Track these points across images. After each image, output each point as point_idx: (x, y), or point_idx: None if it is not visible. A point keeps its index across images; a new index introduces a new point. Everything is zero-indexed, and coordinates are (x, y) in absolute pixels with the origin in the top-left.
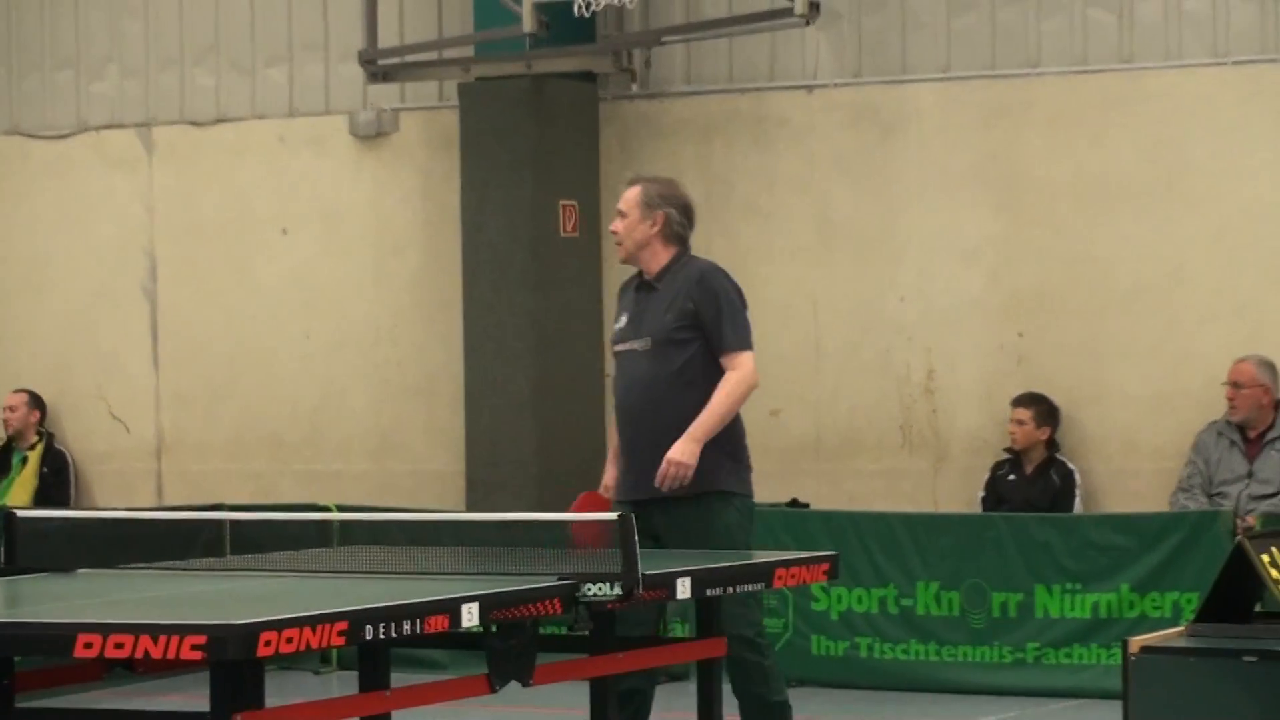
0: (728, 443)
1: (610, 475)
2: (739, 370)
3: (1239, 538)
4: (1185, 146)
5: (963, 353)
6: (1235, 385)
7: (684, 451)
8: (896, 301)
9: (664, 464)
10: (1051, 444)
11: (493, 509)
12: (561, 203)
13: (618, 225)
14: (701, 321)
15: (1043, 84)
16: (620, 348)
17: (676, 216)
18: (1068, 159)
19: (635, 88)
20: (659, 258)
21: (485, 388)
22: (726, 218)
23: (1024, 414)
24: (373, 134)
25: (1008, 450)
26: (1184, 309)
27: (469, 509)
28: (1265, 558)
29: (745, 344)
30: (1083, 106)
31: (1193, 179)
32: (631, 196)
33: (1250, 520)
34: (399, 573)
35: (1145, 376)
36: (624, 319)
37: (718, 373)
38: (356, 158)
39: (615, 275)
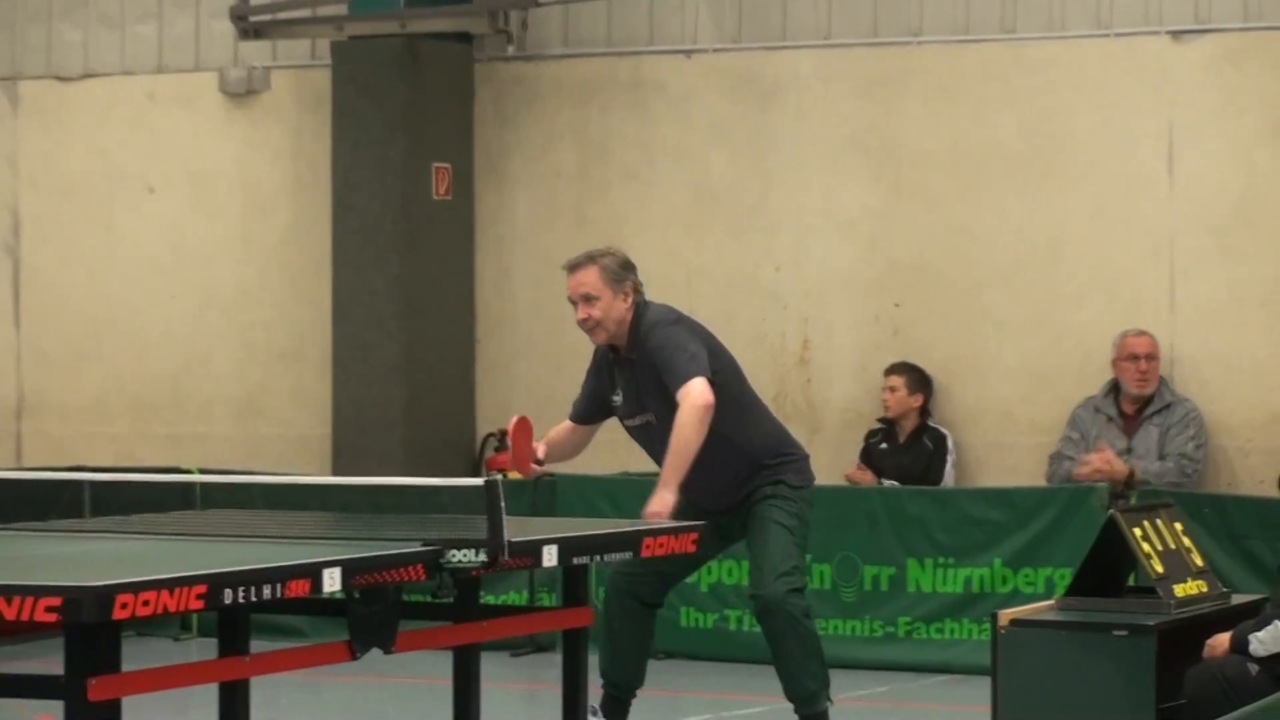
0: (763, 454)
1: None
2: (684, 403)
3: (1112, 511)
4: (1066, 118)
5: (839, 323)
6: (1148, 358)
7: (657, 501)
8: (772, 271)
9: (646, 516)
10: (924, 412)
11: (359, 475)
12: (434, 165)
13: (590, 311)
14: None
15: (923, 53)
16: (631, 423)
17: (639, 281)
18: (948, 130)
19: (511, 49)
20: (627, 328)
21: (353, 352)
22: (602, 184)
23: (896, 381)
24: (243, 92)
25: (880, 419)
26: (1063, 283)
27: (335, 475)
28: (1138, 531)
29: (685, 375)
30: (963, 77)
31: (1073, 152)
32: (593, 279)
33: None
34: (261, 537)
35: (1023, 350)
36: (620, 396)
37: (722, 406)
38: (226, 116)
39: (488, 240)
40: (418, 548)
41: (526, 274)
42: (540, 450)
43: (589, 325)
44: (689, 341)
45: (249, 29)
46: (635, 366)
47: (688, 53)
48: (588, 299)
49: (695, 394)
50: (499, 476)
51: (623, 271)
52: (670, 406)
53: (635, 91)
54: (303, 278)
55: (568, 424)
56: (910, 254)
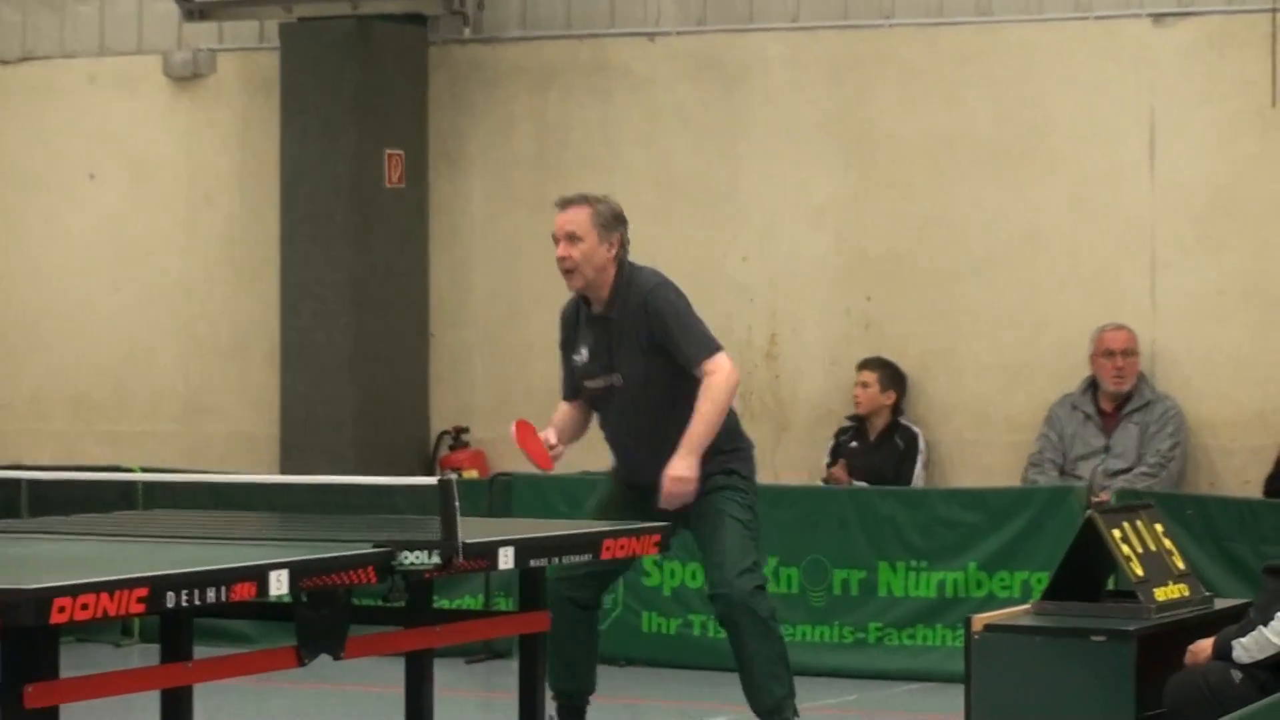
0: (719, 437)
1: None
2: (717, 373)
3: (1090, 512)
4: (1044, 105)
5: (808, 317)
6: (1126, 354)
7: (685, 466)
8: (739, 262)
9: (666, 482)
10: (896, 410)
11: (308, 474)
12: (387, 152)
13: (571, 251)
14: (663, 346)
15: (896, 36)
16: (593, 384)
17: (628, 236)
18: (921, 116)
19: (467, 31)
20: (607, 284)
21: (302, 347)
22: (561, 171)
23: (869, 376)
24: (188, 75)
25: (851, 417)
26: (1040, 275)
27: (282, 473)
28: (1116, 533)
29: (711, 348)
30: (938, 61)
31: (1051, 139)
32: (582, 219)
33: (1105, 497)
34: (205, 537)
35: (998, 345)
36: (585, 353)
37: (690, 383)
38: (170, 100)
39: (443, 229)
40: (369, 549)
41: (483, 265)
42: (552, 436)
43: (567, 266)
44: (692, 311)
45: (194, 10)
46: (612, 325)
47: (651, 35)
48: (572, 238)
49: (729, 368)
50: (453, 476)
51: (614, 221)
52: (646, 378)
53: (596, 76)
54: (250, 269)
55: (564, 405)
56: (882, 245)
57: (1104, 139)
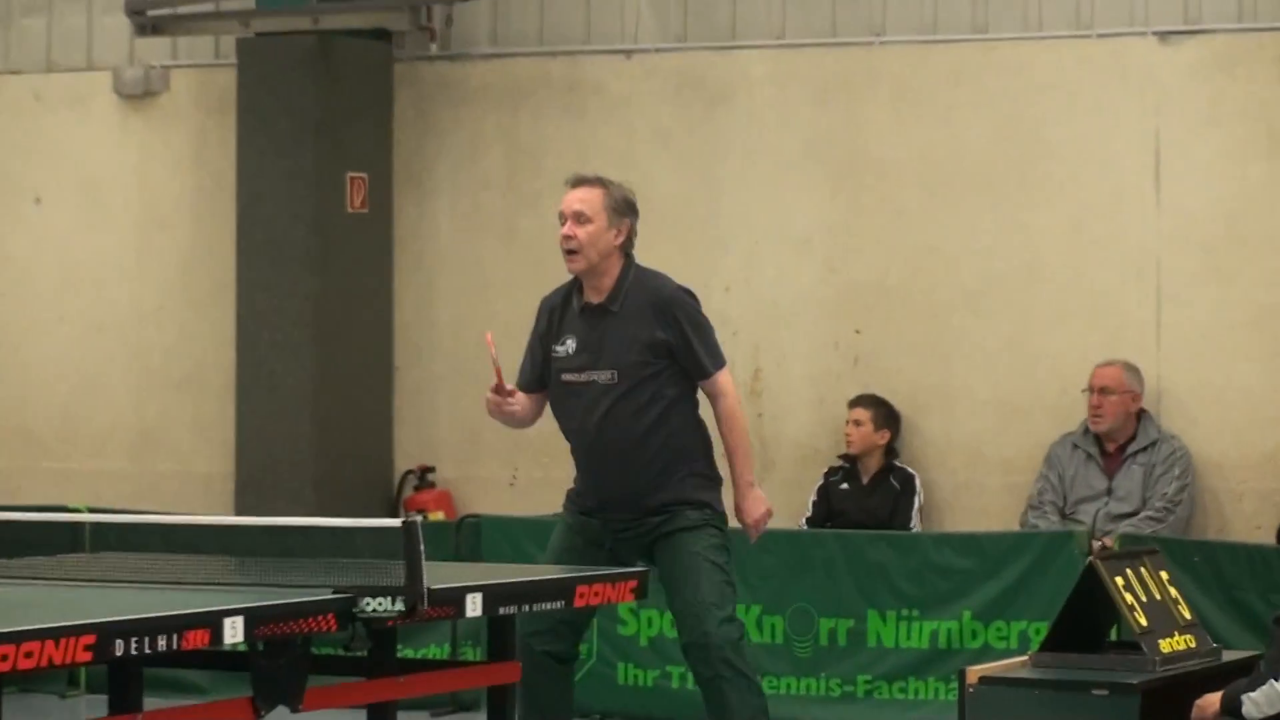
0: (698, 460)
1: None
2: (727, 396)
3: (1091, 559)
4: (1043, 127)
5: (793, 351)
6: (1102, 391)
7: (758, 501)
8: (721, 292)
9: (754, 523)
10: (890, 450)
11: (265, 515)
12: (349, 175)
13: (577, 231)
14: (672, 350)
15: (886, 54)
16: (573, 378)
17: (636, 228)
18: (913, 138)
19: (434, 48)
20: (610, 274)
21: (259, 380)
22: (533, 196)
23: (862, 414)
24: (140, 93)
25: (842, 456)
26: (1038, 307)
27: (238, 514)
28: (1119, 581)
29: (721, 361)
30: (930, 80)
31: (1050, 163)
32: (595, 199)
33: (1107, 542)
34: (156, 582)
35: (994, 381)
36: (571, 344)
37: (683, 398)
38: (121, 120)
39: (408, 257)
40: (329, 595)
41: (450, 294)
42: (511, 386)
43: (570, 246)
44: (708, 322)
45: (146, 24)
46: (611, 317)
47: (628, 53)
48: (580, 218)
49: (734, 389)
50: (418, 518)
51: (626, 207)
52: (640, 378)
53: (570, 95)
54: (204, 297)
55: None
56: (872, 275)
57: (1106, 163)
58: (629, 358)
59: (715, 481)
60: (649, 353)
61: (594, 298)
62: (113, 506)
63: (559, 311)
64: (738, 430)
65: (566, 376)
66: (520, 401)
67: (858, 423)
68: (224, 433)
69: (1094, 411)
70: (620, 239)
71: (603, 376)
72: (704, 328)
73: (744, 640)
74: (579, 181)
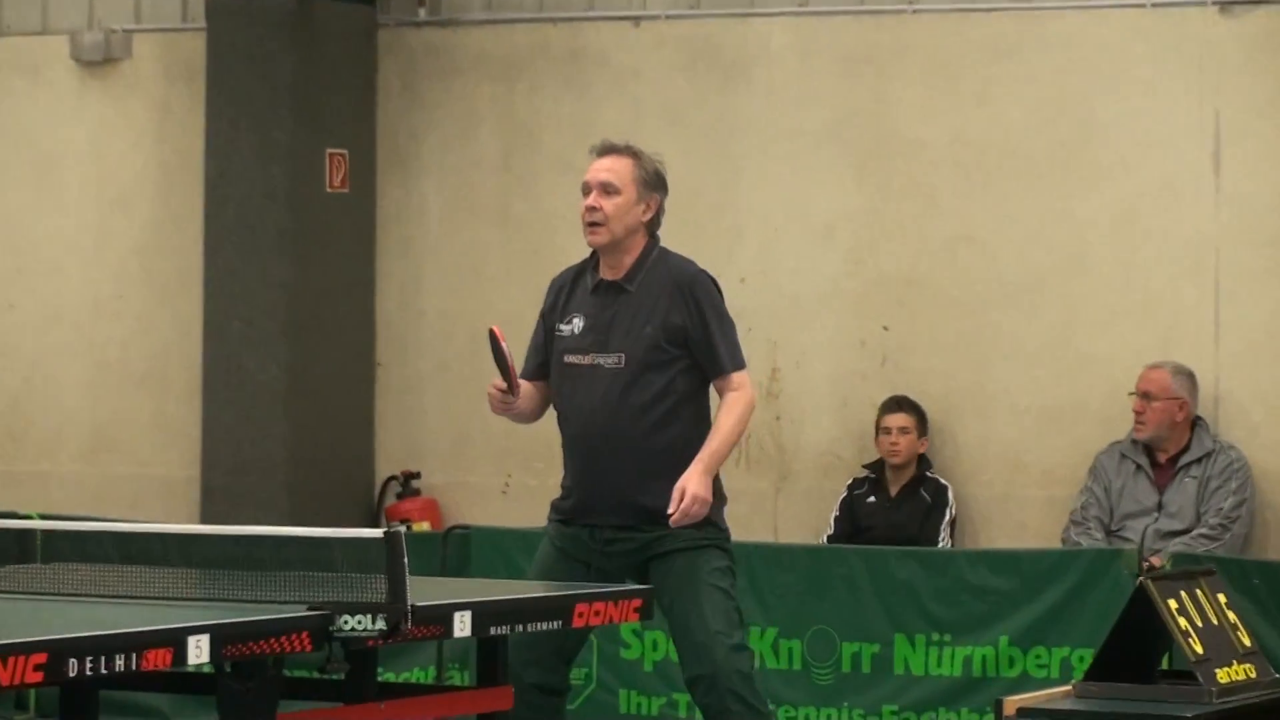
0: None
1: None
2: (741, 391)
3: (1141, 579)
4: (1091, 106)
5: (815, 349)
6: (1145, 396)
7: (701, 484)
8: (735, 284)
9: (683, 498)
10: (923, 460)
11: (233, 523)
12: (329, 151)
13: (603, 202)
14: (689, 339)
15: (920, 24)
16: (577, 360)
17: (665, 205)
18: (948, 117)
19: (423, 13)
20: (633, 251)
21: (228, 376)
22: (530, 176)
23: (906, 420)
24: (99, 60)
25: (867, 466)
26: (1084, 304)
27: (204, 522)
28: (1172, 604)
29: (742, 362)
30: (968, 53)
31: (1099, 147)
32: (625, 170)
33: (1158, 561)
34: (114, 596)
35: (1035, 384)
36: (579, 323)
37: (695, 396)
38: (78, 89)
39: (392, 242)
40: (303, 612)
41: (439, 284)
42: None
43: (594, 218)
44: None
45: None
46: (626, 297)
47: (636, 20)
48: (607, 189)
49: (751, 393)
50: (401, 528)
51: (657, 181)
52: (650, 365)
53: (572, 65)
54: (168, 285)
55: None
56: (901, 266)
57: (1161, 146)
58: (639, 339)
59: (720, 497)
60: (662, 338)
61: (611, 275)
62: (66, 513)
63: (569, 288)
64: (734, 417)
65: (570, 358)
66: (527, 394)
67: (903, 429)
68: (188, 433)
69: (1136, 418)
70: (648, 215)
71: (609, 360)
72: (725, 319)
73: (755, 670)
74: (608, 149)
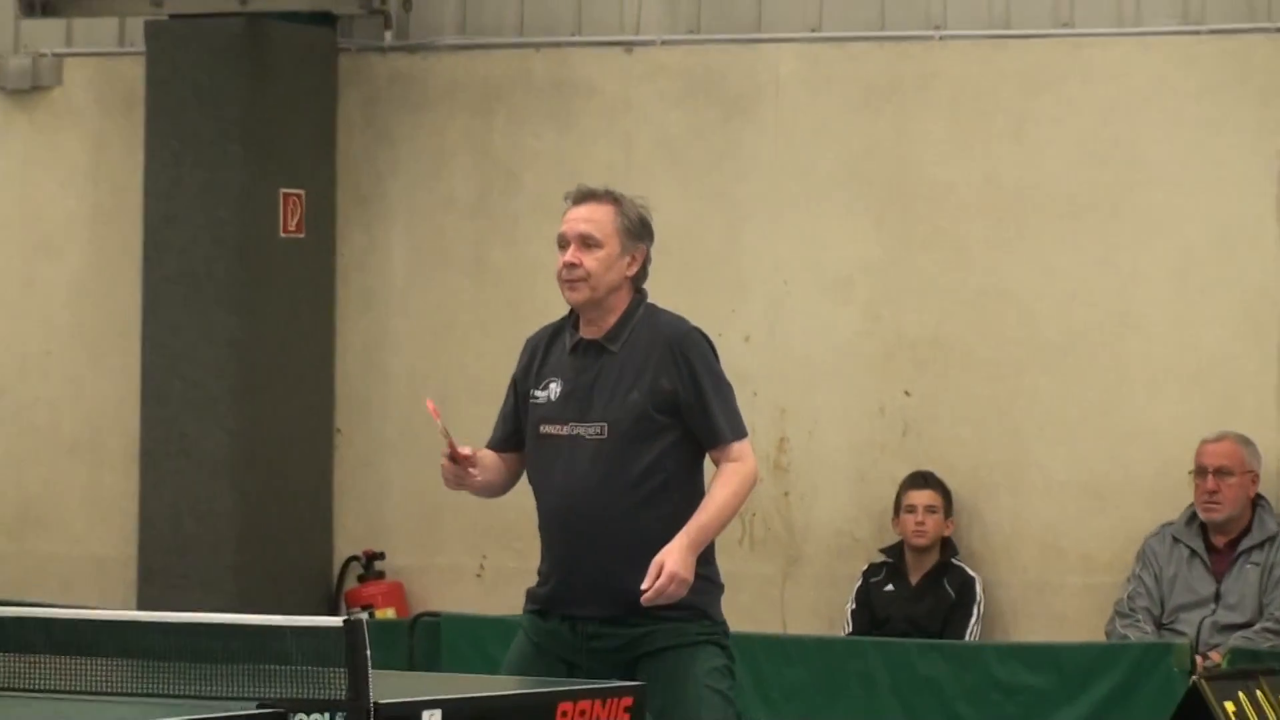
0: (706, 553)
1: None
2: (743, 462)
3: (1195, 678)
4: (1140, 145)
5: (828, 416)
6: (1219, 473)
7: (682, 562)
8: (740, 343)
9: (660, 576)
10: (947, 545)
11: (175, 609)
12: (283, 191)
13: (582, 257)
14: (680, 405)
15: (947, 52)
16: (554, 430)
17: (651, 254)
18: (978, 157)
19: (389, 36)
20: (616, 309)
21: (169, 443)
22: (509, 221)
23: (933, 499)
24: (26, 88)
25: (884, 550)
26: (1131, 368)
27: (142, 608)
28: (1230, 705)
29: (743, 431)
30: (1001, 85)
31: (1148, 190)
32: (606, 219)
33: (1215, 657)
34: (40, 691)
35: (1075, 458)
36: (556, 388)
37: (689, 470)
38: (2, 120)
39: (353, 294)
40: (253, 710)
41: (405, 341)
42: (468, 450)
43: (573, 276)
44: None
45: (35, 4)
46: (609, 359)
47: (628, 45)
48: (587, 242)
49: (754, 465)
50: (363, 615)
51: (642, 229)
52: (637, 436)
53: (556, 96)
54: (103, 341)
55: (489, 452)
56: (926, 325)
57: (1219, 190)
58: (625, 409)
59: (716, 586)
60: (650, 404)
61: (592, 333)
62: None
63: (544, 348)
64: (730, 490)
65: (546, 428)
66: (489, 467)
67: (930, 508)
68: (124, 508)
69: (1208, 498)
70: (634, 268)
71: (590, 430)
72: (722, 382)
73: None
74: (585, 196)
